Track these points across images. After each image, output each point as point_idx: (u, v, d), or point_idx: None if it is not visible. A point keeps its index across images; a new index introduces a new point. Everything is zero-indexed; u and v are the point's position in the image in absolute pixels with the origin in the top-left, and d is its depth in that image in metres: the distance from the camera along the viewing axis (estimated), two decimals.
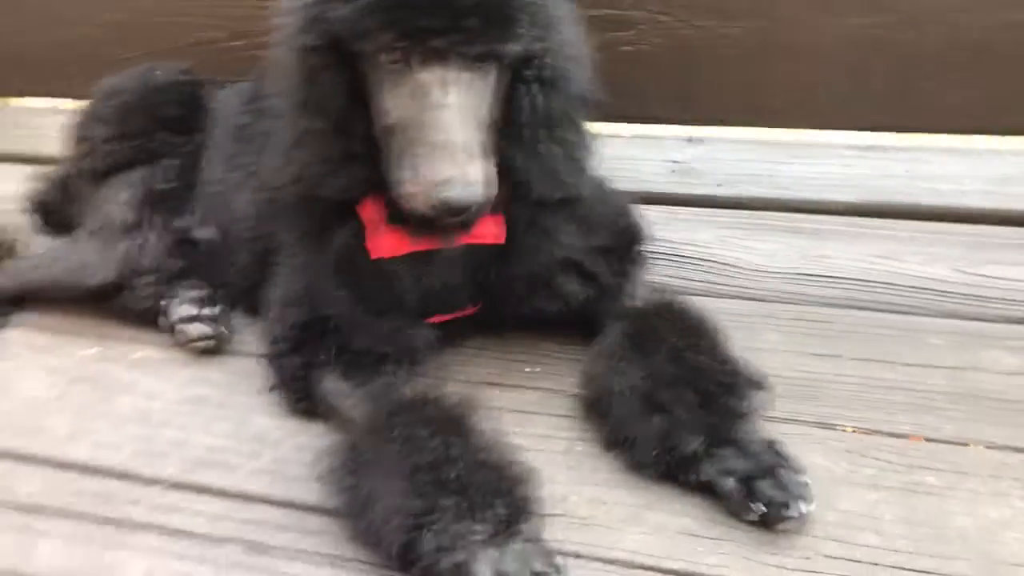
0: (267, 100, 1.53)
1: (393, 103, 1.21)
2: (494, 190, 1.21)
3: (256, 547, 1.23)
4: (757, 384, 1.28)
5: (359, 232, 1.36)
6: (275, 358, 1.43)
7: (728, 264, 1.69)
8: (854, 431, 1.32)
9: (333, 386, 1.37)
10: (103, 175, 1.74)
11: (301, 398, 1.42)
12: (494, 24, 1.17)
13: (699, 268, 1.69)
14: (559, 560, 1.09)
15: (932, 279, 1.60)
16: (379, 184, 1.27)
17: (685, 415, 1.23)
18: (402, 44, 1.16)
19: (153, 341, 1.64)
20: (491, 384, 1.47)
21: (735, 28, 1.64)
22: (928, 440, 1.30)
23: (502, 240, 1.37)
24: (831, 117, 1.76)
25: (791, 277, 1.65)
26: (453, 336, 1.51)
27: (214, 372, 1.56)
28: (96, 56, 2.04)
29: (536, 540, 1.11)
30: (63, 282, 1.69)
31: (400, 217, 1.30)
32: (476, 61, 1.19)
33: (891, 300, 1.58)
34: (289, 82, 1.30)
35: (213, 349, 1.59)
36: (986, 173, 1.85)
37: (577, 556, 1.17)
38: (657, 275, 1.65)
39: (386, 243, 1.35)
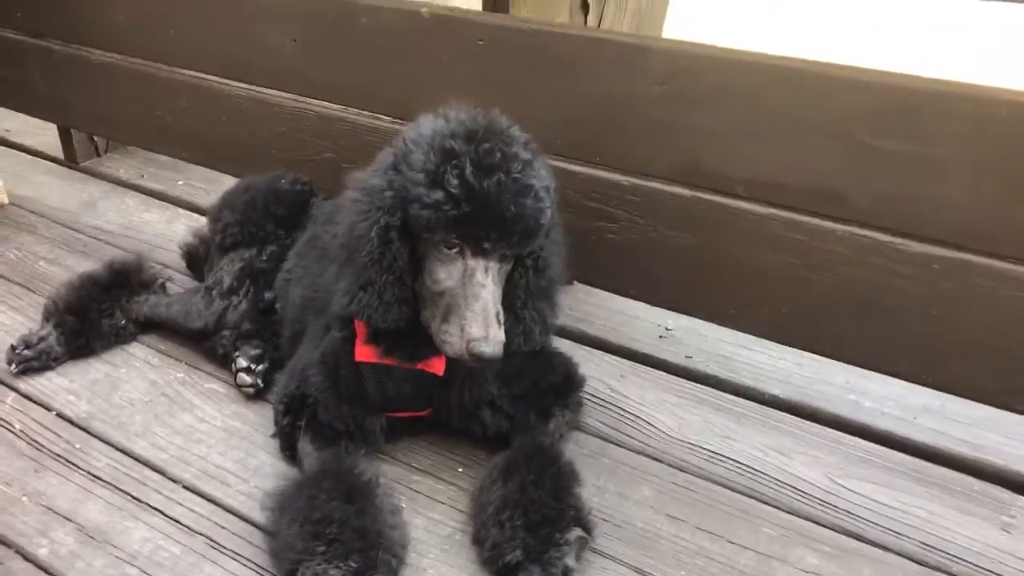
0: (334, 229, 2.07)
1: (445, 276, 1.65)
2: None
3: (215, 544, 1.76)
4: (581, 524, 1.68)
5: (349, 339, 1.87)
6: (275, 414, 1.97)
7: (651, 424, 2.05)
8: None
9: (303, 446, 1.88)
10: (224, 249, 2.37)
11: (286, 447, 1.94)
12: (528, 235, 1.63)
13: (625, 421, 2.07)
14: None
15: (802, 479, 1.90)
16: (413, 320, 1.73)
17: (512, 533, 1.65)
18: (463, 243, 1.63)
19: (223, 377, 2.22)
20: (423, 471, 1.94)
21: (689, 240, 2.01)
22: None
23: (441, 373, 1.84)
24: (775, 332, 2.07)
25: (691, 448, 1.99)
26: (413, 428, 2.00)
27: (250, 412, 2.12)
28: (262, 152, 2.71)
29: None
30: (175, 321, 2.30)
31: (374, 339, 1.82)
32: (507, 257, 1.67)
33: (757, 488, 1.89)
34: (362, 242, 1.70)
35: (254, 395, 2.15)
36: (911, 401, 2.09)
37: None
38: (591, 418, 2.08)
39: (364, 352, 1.85)
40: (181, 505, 1.86)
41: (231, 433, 2.06)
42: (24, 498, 1.87)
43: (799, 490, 1.89)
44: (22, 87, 3.23)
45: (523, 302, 1.77)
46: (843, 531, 1.79)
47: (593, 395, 2.12)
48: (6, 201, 3.06)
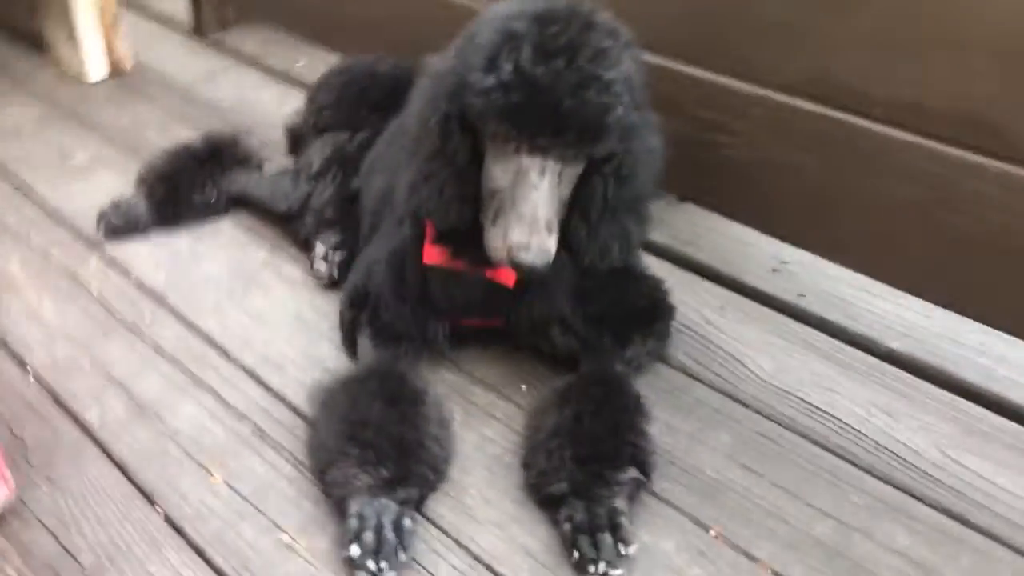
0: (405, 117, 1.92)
1: (500, 174, 1.50)
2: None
3: (259, 431, 1.70)
4: (639, 464, 1.52)
5: (419, 237, 1.74)
6: (341, 307, 1.88)
7: (745, 365, 1.83)
8: (717, 537, 1.50)
9: (362, 342, 1.79)
10: (319, 130, 2.27)
11: (347, 341, 1.85)
12: (589, 133, 1.44)
13: (716, 359, 1.86)
14: (407, 522, 1.45)
15: (906, 446, 1.65)
16: (476, 220, 1.58)
17: (559, 464, 1.50)
18: (516, 137, 1.45)
19: (303, 263, 2.15)
20: (486, 384, 1.81)
21: (813, 163, 1.75)
22: (774, 572, 1.45)
23: (511, 284, 1.67)
24: (901, 278, 1.82)
25: (785, 397, 1.77)
26: (482, 338, 1.87)
27: (322, 302, 2.03)
28: (380, 34, 2.60)
29: (406, 502, 1.47)
30: (264, 201, 2.25)
31: (444, 239, 1.67)
32: (569, 158, 1.49)
33: (852, 449, 1.66)
34: (426, 132, 1.58)
35: (328, 285, 2.06)
36: None
37: (443, 531, 1.51)
38: (678, 350, 1.88)
39: (431, 253, 1.71)
40: (235, 388, 1.80)
41: (299, 320, 1.98)
42: (86, 362, 1.86)
43: (901, 458, 1.64)
44: None
45: (600, 214, 1.57)
46: (945, 511, 1.55)
47: (686, 326, 1.92)
48: (130, 67, 3.06)
